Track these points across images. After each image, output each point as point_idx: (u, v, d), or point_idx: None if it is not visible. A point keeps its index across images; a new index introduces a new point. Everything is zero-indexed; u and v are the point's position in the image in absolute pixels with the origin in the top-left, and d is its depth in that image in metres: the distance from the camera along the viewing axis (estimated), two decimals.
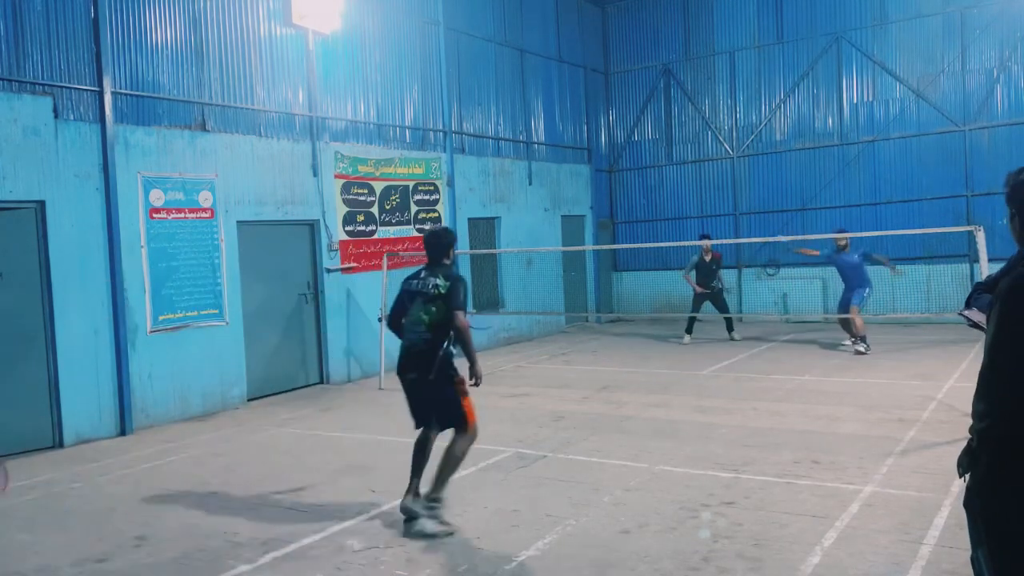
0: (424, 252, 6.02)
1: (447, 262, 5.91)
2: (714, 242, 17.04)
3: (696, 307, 14.46)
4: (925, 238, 15.15)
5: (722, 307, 14.64)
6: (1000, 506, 2.42)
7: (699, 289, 14.31)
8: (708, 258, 14.37)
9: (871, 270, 12.87)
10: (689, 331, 14.46)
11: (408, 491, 5.68)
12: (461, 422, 5.68)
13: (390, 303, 12.78)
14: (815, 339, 14.08)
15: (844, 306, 12.74)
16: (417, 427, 5.86)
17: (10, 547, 5.68)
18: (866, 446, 7.24)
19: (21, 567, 5.31)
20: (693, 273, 14.40)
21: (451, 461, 5.67)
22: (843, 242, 12.73)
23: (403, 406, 5.88)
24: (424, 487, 5.70)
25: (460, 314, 5.62)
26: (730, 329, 14.58)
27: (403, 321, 5.80)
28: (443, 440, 5.76)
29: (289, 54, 11.44)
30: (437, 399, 5.69)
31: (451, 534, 5.48)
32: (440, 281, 5.69)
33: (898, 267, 12.84)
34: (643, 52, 18.80)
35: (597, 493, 6.25)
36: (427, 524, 5.52)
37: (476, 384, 5.72)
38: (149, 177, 9.58)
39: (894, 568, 4.64)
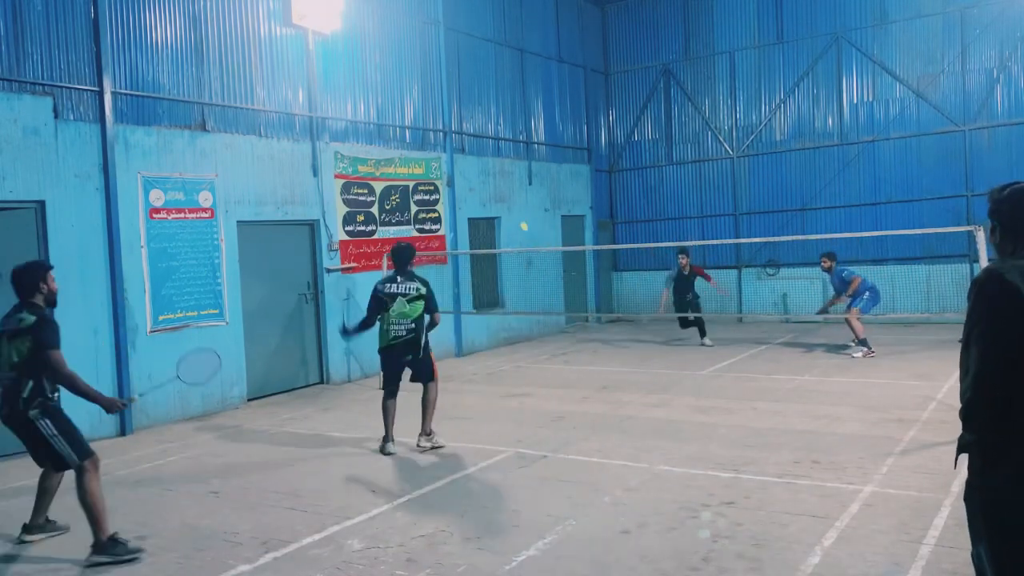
0: (394, 261, 7.90)
1: (411, 269, 7.91)
2: (714, 242, 17.13)
3: (679, 309, 14.19)
4: (925, 238, 15.15)
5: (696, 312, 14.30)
6: (998, 497, 2.46)
7: (664, 301, 14.25)
8: (687, 271, 14.19)
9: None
10: (703, 332, 14.13)
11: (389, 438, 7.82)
12: (433, 376, 7.87)
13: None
14: (815, 339, 14.08)
15: (852, 303, 12.67)
16: (390, 389, 7.82)
17: (10, 547, 5.68)
18: (866, 446, 7.24)
19: (21, 567, 5.32)
20: (671, 285, 14.23)
21: (432, 402, 7.85)
22: (825, 265, 12.68)
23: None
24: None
25: (438, 314, 7.94)
26: (703, 334, 14.18)
27: (383, 317, 7.70)
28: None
29: (289, 54, 11.44)
30: (425, 365, 7.80)
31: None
32: (419, 284, 7.75)
33: (843, 297, 12.59)
34: (643, 52, 18.80)
35: (597, 493, 6.25)
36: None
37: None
38: (149, 177, 9.58)
39: (894, 568, 4.64)
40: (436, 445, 7.81)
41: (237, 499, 6.54)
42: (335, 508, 6.16)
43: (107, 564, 5.22)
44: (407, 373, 7.92)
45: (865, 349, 12.14)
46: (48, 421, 5.37)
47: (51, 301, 5.57)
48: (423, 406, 7.82)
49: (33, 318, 5.35)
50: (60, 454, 5.40)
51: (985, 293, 2.61)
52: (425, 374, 7.84)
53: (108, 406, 5.46)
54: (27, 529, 5.69)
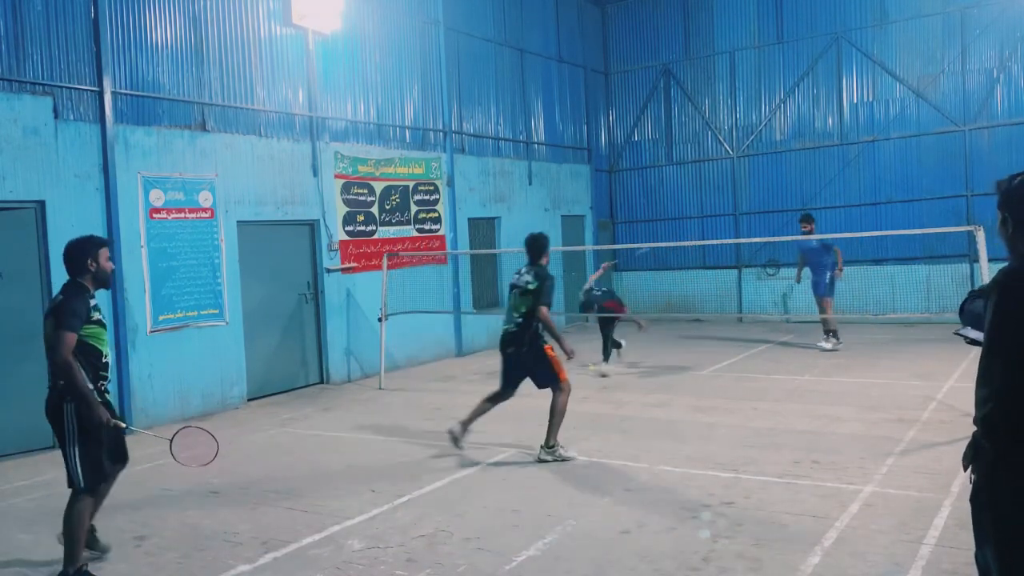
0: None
1: (544, 262, 7.46)
2: (714, 242, 17.08)
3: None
4: (925, 238, 15.15)
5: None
6: (1006, 498, 2.43)
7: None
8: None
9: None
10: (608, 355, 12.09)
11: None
12: (558, 380, 7.29)
13: (390, 303, 12.71)
14: (815, 339, 14.06)
15: (816, 289, 13.04)
16: (499, 389, 7.55)
17: (10, 547, 5.68)
18: (866, 446, 7.24)
19: (22, 567, 5.31)
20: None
21: (557, 411, 7.26)
22: (807, 228, 13.00)
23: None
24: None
25: (543, 308, 7.20)
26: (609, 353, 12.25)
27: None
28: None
29: (289, 54, 11.44)
30: (536, 364, 7.33)
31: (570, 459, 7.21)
32: (531, 278, 7.32)
33: (842, 271, 13.10)
34: (643, 52, 18.80)
35: (597, 493, 6.25)
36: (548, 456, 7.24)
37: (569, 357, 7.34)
38: (149, 177, 9.58)
39: (894, 568, 4.63)
40: (560, 458, 7.20)
41: (237, 499, 6.54)
42: (335, 508, 6.16)
43: None
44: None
45: (835, 340, 12.55)
46: (75, 423, 4.76)
47: (101, 280, 5.03)
48: (549, 414, 7.27)
49: (61, 297, 4.88)
50: (67, 467, 4.81)
51: (1002, 298, 2.50)
52: (544, 377, 7.36)
53: (99, 419, 4.74)
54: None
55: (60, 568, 4.89)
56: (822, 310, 12.86)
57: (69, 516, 4.84)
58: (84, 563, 4.93)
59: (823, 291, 12.79)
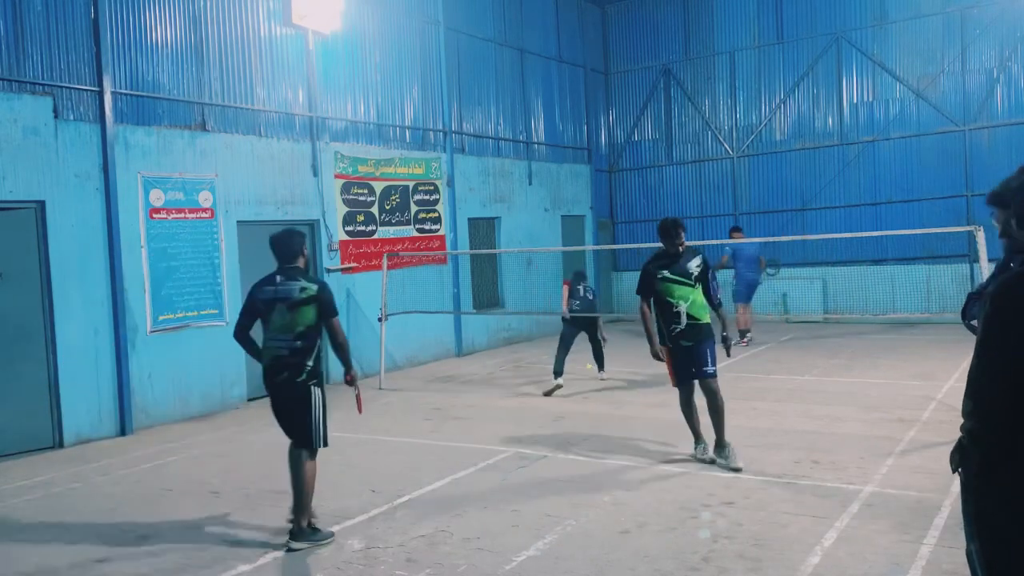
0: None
1: (665, 245, 7.15)
2: (714, 242, 17.05)
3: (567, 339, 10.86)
4: (925, 238, 15.15)
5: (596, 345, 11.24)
6: (990, 504, 2.46)
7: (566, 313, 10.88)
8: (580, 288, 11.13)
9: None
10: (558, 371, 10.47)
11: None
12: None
13: (390, 303, 12.64)
14: (815, 339, 14.07)
15: (746, 295, 14.01)
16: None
17: (10, 547, 5.68)
18: (866, 446, 7.24)
19: (21, 567, 5.31)
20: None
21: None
22: (740, 237, 14.12)
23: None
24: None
25: (641, 302, 7.11)
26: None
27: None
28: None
29: (289, 54, 11.44)
30: None
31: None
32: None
33: (724, 259, 14.25)
34: (643, 52, 18.80)
35: (597, 493, 6.25)
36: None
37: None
38: (149, 177, 9.58)
39: (894, 568, 4.63)
40: (703, 458, 6.97)
41: (237, 499, 6.54)
42: (335, 508, 6.16)
43: (306, 549, 5.29)
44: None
45: (745, 340, 13.63)
46: (321, 394, 5.60)
47: (306, 267, 5.77)
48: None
49: (315, 286, 5.59)
50: (311, 433, 5.53)
51: (993, 310, 2.42)
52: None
53: (353, 376, 5.72)
54: (293, 535, 5.35)
55: (293, 530, 5.39)
56: (742, 313, 13.83)
57: (305, 473, 5.50)
58: (314, 518, 5.48)
59: (742, 300, 13.85)
